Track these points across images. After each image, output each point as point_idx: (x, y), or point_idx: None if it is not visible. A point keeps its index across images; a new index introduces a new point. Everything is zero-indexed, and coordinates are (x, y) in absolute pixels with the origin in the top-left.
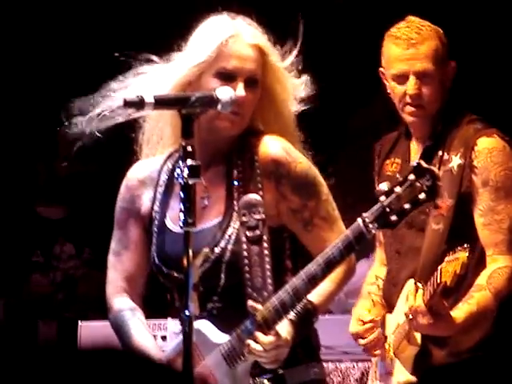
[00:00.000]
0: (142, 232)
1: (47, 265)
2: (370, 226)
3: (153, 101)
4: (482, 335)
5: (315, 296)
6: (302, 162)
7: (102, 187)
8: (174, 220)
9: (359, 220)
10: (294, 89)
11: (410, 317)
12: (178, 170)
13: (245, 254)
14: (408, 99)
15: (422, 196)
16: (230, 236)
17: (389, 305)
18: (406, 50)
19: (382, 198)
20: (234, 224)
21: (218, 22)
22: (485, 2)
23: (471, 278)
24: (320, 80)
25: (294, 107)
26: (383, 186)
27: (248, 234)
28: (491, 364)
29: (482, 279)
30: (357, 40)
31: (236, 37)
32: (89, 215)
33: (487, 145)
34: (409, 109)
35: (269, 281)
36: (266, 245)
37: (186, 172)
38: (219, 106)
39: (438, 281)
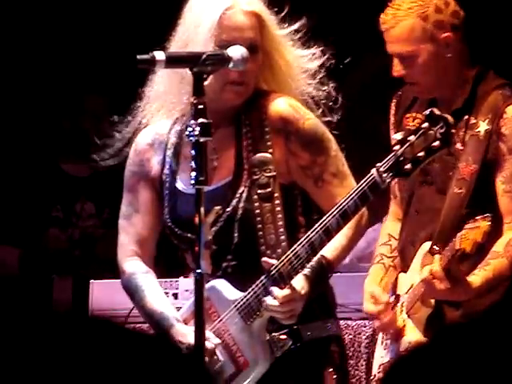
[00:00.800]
0: (152, 195)
1: (66, 221)
2: (384, 175)
3: (164, 58)
4: (496, 298)
5: (329, 251)
6: (309, 118)
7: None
8: (184, 181)
9: (373, 170)
10: (297, 59)
11: (427, 281)
12: (189, 129)
13: (257, 211)
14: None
15: (436, 143)
16: (241, 194)
17: (404, 263)
18: (385, 34)
19: (396, 147)
20: (245, 182)
21: None
22: None
23: (488, 245)
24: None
25: (302, 81)
26: (397, 136)
27: (259, 191)
28: (504, 324)
29: (498, 246)
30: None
31: (232, 7)
32: (112, 176)
33: None
34: (408, 84)
35: (282, 237)
36: (277, 201)
37: (197, 130)
38: (231, 64)
39: (458, 247)
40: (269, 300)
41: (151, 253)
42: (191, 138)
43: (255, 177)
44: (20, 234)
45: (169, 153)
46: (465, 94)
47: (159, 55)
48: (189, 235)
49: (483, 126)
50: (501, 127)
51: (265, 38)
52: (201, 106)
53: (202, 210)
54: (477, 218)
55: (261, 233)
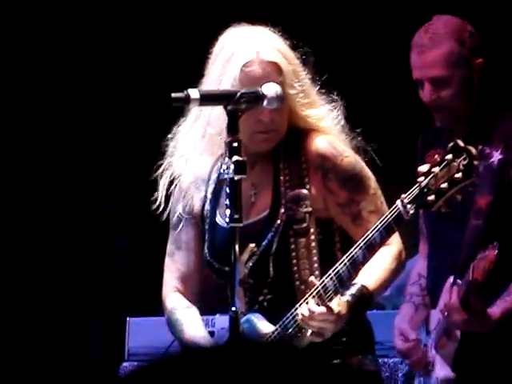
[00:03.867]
0: (194, 232)
1: (101, 260)
2: (408, 206)
3: (198, 97)
4: None
5: (370, 282)
6: (348, 156)
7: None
8: (223, 216)
9: (398, 201)
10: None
11: (446, 314)
12: (223, 166)
13: (292, 246)
14: (427, 104)
15: (459, 175)
16: (276, 229)
17: (433, 300)
18: (418, 57)
19: (421, 178)
20: (281, 217)
21: (237, 44)
22: None
23: (510, 274)
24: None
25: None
26: (422, 168)
27: (295, 226)
28: None
29: None
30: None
31: (252, 62)
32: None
33: None
34: (435, 114)
35: (316, 273)
36: (313, 237)
37: (231, 168)
38: (265, 102)
39: (471, 278)
40: (304, 310)
41: (194, 289)
42: (226, 176)
43: (291, 212)
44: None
45: (210, 189)
46: (477, 123)
47: (193, 93)
48: (227, 269)
49: (496, 156)
50: None
51: (287, 85)
52: (235, 144)
53: (237, 247)
54: (486, 247)
55: (295, 268)
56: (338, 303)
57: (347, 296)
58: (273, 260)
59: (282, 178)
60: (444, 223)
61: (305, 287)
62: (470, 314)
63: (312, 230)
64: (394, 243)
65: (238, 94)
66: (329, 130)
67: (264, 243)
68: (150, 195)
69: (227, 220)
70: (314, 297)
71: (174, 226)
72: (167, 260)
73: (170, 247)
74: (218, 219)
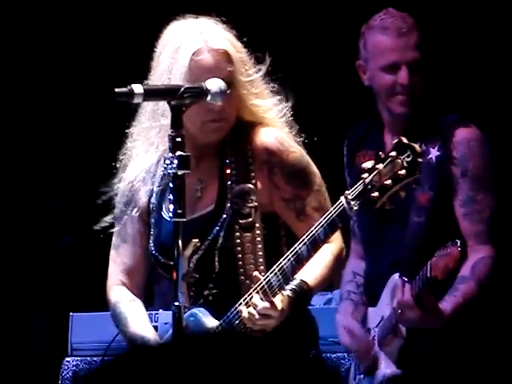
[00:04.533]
0: (139, 226)
1: (43, 255)
2: (352, 202)
3: (142, 91)
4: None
5: (310, 278)
6: (294, 151)
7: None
8: (168, 210)
9: (342, 197)
10: (270, 98)
11: (399, 311)
12: (167, 161)
13: (237, 241)
14: (400, 88)
15: (403, 172)
16: (222, 223)
17: (370, 298)
18: (398, 39)
19: (365, 175)
20: (227, 212)
21: (184, 34)
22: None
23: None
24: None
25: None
26: (367, 164)
27: (240, 221)
28: (475, 346)
29: (465, 270)
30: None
31: (200, 51)
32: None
33: (465, 135)
34: (400, 98)
35: (261, 267)
36: (258, 232)
37: (175, 163)
38: (209, 97)
39: (428, 275)
40: (249, 309)
41: (139, 282)
42: (169, 171)
43: (237, 207)
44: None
45: (156, 183)
46: (414, 119)
47: (137, 88)
48: (172, 263)
49: (434, 153)
50: (451, 151)
51: (237, 73)
52: (179, 139)
53: (180, 242)
54: (447, 244)
55: (240, 262)
56: (281, 299)
57: (288, 291)
58: (218, 254)
59: (227, 172)
60: (381, 222)
61: (250, 282)
62: (424, 310)
63: (257, 225)
64: (336, 240)
65: (182, 89)
66: (274, 123)
67: (210, 237)
68: (90, 189)
69: (170, 215)
70: (258, 292)
71: (119, 218)
72: (112, 252)
73: (115, 240)
74: (164, 213)
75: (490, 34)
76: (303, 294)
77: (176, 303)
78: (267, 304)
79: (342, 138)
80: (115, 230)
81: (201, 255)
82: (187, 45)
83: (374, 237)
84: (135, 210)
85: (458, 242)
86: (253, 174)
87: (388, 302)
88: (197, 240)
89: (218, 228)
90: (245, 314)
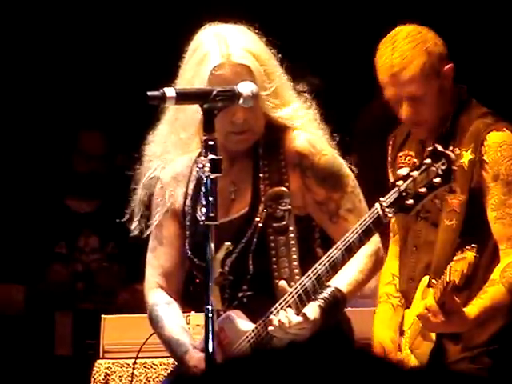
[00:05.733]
0: (176, 228)
1: (70, 256)
2: (387, 209)
3: (174, 95)
4: (496, 328)
5: (344, 284)
6: (326, 154)
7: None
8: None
9: (377, 204)
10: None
11: (423, 316)
12: (199, 165)
13: (271, 244)
14: (407, 121)
15: (437, 180)
16: (255, 226)
17: (406, 300)
18: (391, 77)
19: (400, 182)
20: (260, 215)
21: (209, 45)
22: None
23: (484, 273)
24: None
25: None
26: (402, 171)
27: (274, 224)
28: (506, 356)
29: (495, 274)
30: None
31: (222, 65)
32: (117, 209)
33: (497, 139)
34: (411, 127)
35: (296, 271)
36: (292, 235)
37: (207, 166)
38: (241, 101)
39: (448, 279)
40: (282, 318)
41: (176, 285)
42: (201, 175)
43: (270, 210)
44: (25, 271)
45: (191, 185)
46: (447, 125)
47: (169, 91)
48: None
49: (467, 157)
50: (483, 155)
51: (258, 87)
52: (211, 143)
53: (213, 245)
54: (464, 249)
55: (275, 266)
56: (312, 309)
57: (319, 301)
58: (252, 257)
59: (261, 175)
60: (418, 223)
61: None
62: (447, 315)
63: (291, 228)
64: (372, 242)
65: (214, 93)
66: (303, 127)
67: (243, 240)
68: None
69: (202, 218)
70: (292, 296)
71: (155, 221)
72: (149, 255)
73: (152, 243)
74: (199, 215)
75: None
76: (336, 301)
77: (208, 306)
78: (300, 319)
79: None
80: (151, 233)
81: (235, 258)
82: (210, 58)
83: (411, 239)
84: (172, 212)
85: (475, 246)
86: (286, 176)
87: (419, 304)
88: (229, 243)
89: (251, 231)
90: (275, 322)
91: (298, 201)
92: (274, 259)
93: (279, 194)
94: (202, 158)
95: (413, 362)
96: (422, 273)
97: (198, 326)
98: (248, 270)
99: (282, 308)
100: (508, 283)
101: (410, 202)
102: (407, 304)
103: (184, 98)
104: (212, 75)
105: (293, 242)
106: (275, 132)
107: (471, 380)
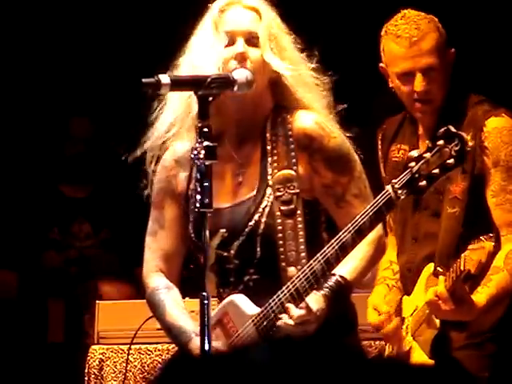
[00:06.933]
0: (178, 211)
1: (63, 243)
2: (399, 191)
3: (169, 82)
4: (499, 314)
5: (348, 272)
6: (335, 136)
7: (126, 169)
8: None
9: (388, 186)
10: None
11: (433, 303)
12: (194, 152)
13: (279, 227)
14: (416, 96)
15: (451, 161)
16: (263, 209)
17: (406, 288)
18: (409, 48)
19: (412, 163)
20: (268, 198)
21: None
22: None
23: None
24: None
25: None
26: (413, 153)
27: (282, 207)
28: (510, 342)
29: (498, 261)
30: (353, 33)
31: (235, 2)
32: (110, 197)
33: (496, 124)
34: (417, 105)
35: (302, 254)
36: (299, 219)
37: (202, 153)
38: (235, 88)
39: (462, 268)
40: (285, 318)
41: (176, 269)
42: (196, 161)
43: (279, 193)
44: (18, 257)
45: (195, 169)
46: (444, 111)
47: (164, 78)
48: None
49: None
50: (483, 141)
51: (266, 33)
52: (205, 130)
53: (208, 232)
54: (481, 238)
55: (282, 249)
56: (316, 300)
57: (324, 290)
58: (260, 240)
59: (269, 158)
60: (417, 215)
61: (290, 268)
62: (458, 303)
63: (299, 212)
64: (374, 229)
65: (209, 80)
66: (312, 104)
67: (251, 223)
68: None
69: (197, 205)
70: (300, 279)
71: (157, 204)
72: (149, 238)
73: (151, 226)
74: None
75: None
76: (342, 289)
77: (203, 293)
78: (302, 312)
79: (373, 132)
80: (151, 215)
81: (242, 241)
82: (216, 3)
83: (410, 231)
84: (173, 195)
85: (493, 236)
86: (294, 160)
87: (423, 292)
88: (224, 230)
89: (259, 214)
90: (280, 323)
91: (305, 184)
92: (281, 242)
93: (287, 177)
94: (197, 144)
95: (415, 348)
96: (422, 263)
97: (192, 312)
98: (255, 254)
99: (288, 291)
100: None
101: (423, 183)
102: (406, 291)
103: (179, 84)
104: (222, 12)
105: (300, 225)
106: (281, 113)
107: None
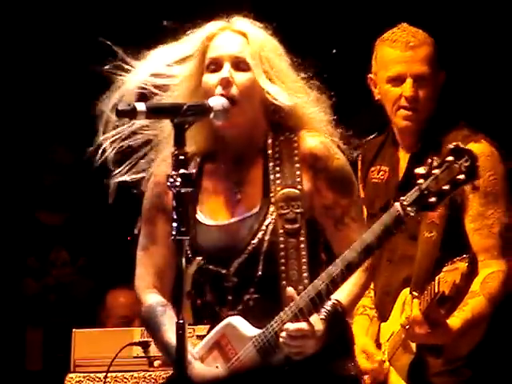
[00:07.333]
0: (169, 227)
1: (41, 270)
2: (409, 208)
3: (145, 109)
4: (475, 340)
5: (344, 297)
6: (339, 158)
7: (102, 197)
8: (204, 213)
9: (396, 204)
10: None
11: (407, 327)
12: (170, 179)
13: (282, 246)
14: (403, 102)
15: (461, 176)
16: (267, 227)
17: (381, 313)
18: (404, 52)
19: (420, 180)
20: (272, 215)
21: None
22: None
23: (465, 285)
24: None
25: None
26: (420, 170)
27: (286, 226)
28: (485, 367)
29: (475, 285)
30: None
31: (224, 28)
32: (86, 224)
33: (475, 150)
34: (403, 112)
35: (304, 274)
36: (302, 238)
37: (178, 181)
38: (211, 115)
39: (436, 290)
40: (284, 334)
41: (168, 285)
42: (172, 189)
43: (282, 211)
44: None
45: (171, 196)
46: (425, 137)
47: (140, 106)
48: (210, 267)
49: None
50: None
51: (258, 59)
52: (182, 157)
53: (184, 260)
54: (455, 259)
55: (283, 267)
56: (316, 320)
57: (322, 314)
58: (263, 258)
59: (272, 176)
60: (394, 237)
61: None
62: (432, 326)
63: (303, 231)
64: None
65: (185, 107)
66: (314, 127)
67: (254, 241)
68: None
69: (173, 232)
70: (304, 300)
71: (148, 219)
72: (141, 254)
73: (143, 240)
74: (199, 216)
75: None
76: (338, 314)
77: (180, 321)
78: (301, 324)
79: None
80: (142, 230)
81: (244, 259)
82: (212, 24)
83: (386, 252)
84: (165, 210)
85: (467, 257)
86: (299, 178)
87: (398, 317)
88: (200, 258)
89: (262, 232)
90: (281, 340)
91: (306, 203)
92: (283, 261)
93: (291, 195)
94: (173, 172)
95: (392, 373)
96: (399, 287)
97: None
98: (256, 272)
99: (292, 312)
100: (489, 294)
101: (433, 199)
102: (382, 317)
103: (154, 112)
104: (211, 37)
105: (303, 245)
106: (285, 132)
107: None
